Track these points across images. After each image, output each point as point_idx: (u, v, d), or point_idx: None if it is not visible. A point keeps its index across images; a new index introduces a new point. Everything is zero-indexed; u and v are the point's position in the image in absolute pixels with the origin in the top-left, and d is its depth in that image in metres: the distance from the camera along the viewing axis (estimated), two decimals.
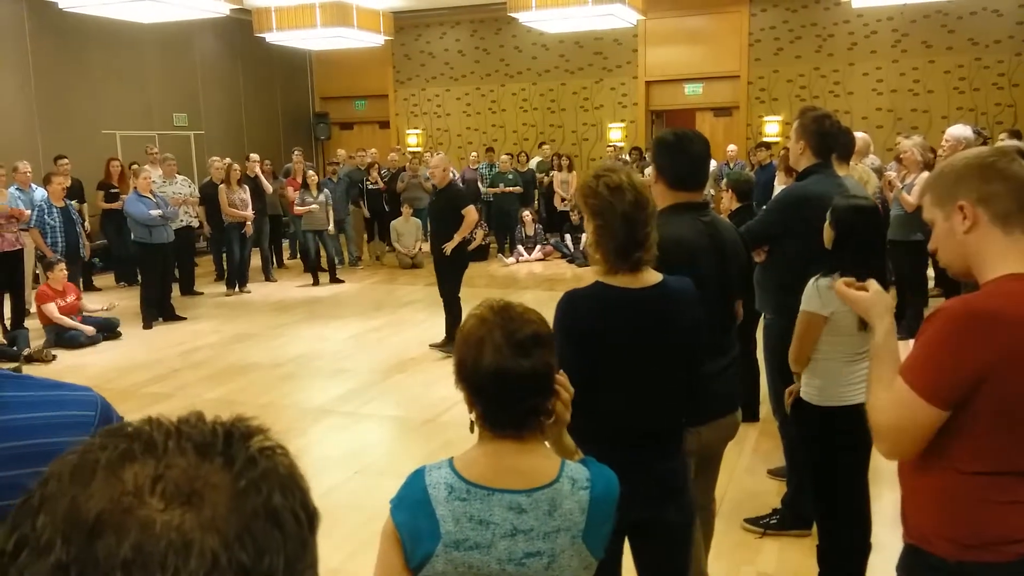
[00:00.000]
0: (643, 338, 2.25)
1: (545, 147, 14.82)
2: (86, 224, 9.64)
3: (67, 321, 7.84)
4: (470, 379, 1.56)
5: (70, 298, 8.03)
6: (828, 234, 3.03)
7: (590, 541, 1.56)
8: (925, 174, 6.40)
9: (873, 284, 2.07)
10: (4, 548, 0.56)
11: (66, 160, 10.32)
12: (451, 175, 7.71)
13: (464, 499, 1.51)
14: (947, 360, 1.65)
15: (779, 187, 6.36)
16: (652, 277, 2.29)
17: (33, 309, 9.14)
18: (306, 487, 0.62)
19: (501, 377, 1.52)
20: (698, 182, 2.83)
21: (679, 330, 2.29)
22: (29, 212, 8.32)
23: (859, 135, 5.61)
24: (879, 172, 6.95)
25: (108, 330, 8.21)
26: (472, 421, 1.62)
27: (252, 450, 0.60)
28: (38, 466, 1.34)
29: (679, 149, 2.76)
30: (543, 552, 1.51)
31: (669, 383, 2.33)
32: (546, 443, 1.66)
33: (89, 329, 7.89)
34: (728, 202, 5.01)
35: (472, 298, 10.17)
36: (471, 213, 7.16)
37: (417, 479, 1.55)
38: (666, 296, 2.28)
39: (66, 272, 8.05)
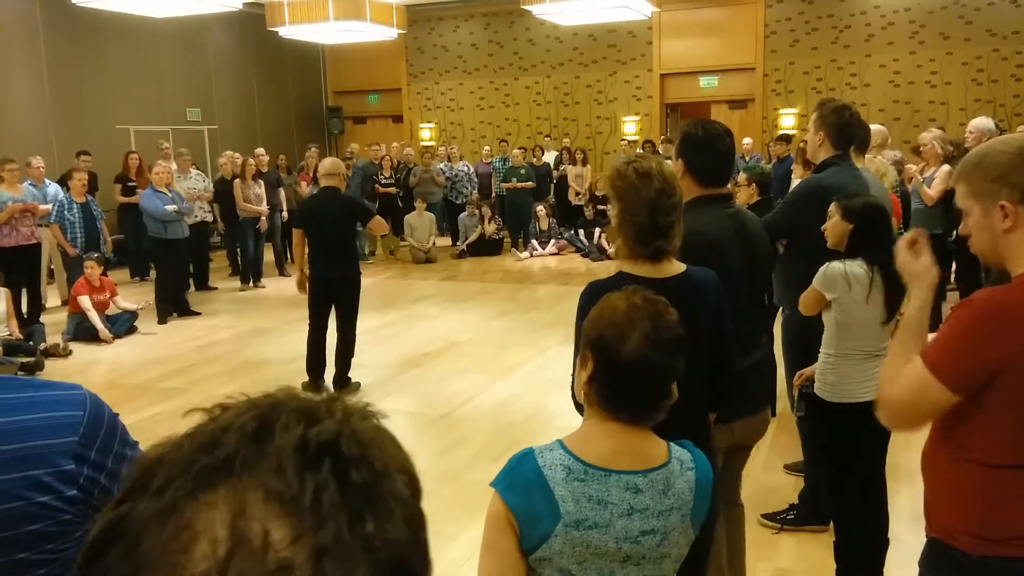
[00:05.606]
0: None
1: (549, 139, 14.82)
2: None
3: (94, 317, 7.90)
4: (606, 357, 1.57)
5: (104, 295, 8.12)
6: (841, 228, 3.03)
7: (694, 519, 1.63)
8: (945, 167, 6.33)
9: (926, 256, 1.90)
10: None
11: (88, 156, 10.38)
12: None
13: (582, 480, 1.54)
14: (968, 346, 1.68)
15: (795, 180, 6.29)
16: (674, 268, 2.27)
17: (49, 304, 9.20)
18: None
19: (643, 366, 1.55)
20: (726, 177, 2.82)
21: (701, 323, 2.23)
22: (45, 207, 8.35)
23: (876, 127, 5.54)
24: (899, 165, 6.87)
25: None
26: (574, 391, 1.65)
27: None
28: (27, 471, 1.28)
29: (710, 146, 2.71)
30: (656, 530, 1.56)
31: (691, 378, 2.28)
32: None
33: (107, 336, 7.88)
34: (748, 195, 4.95)
35: (487, 293, 10.05)
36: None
37: (528, 461, 1.56)
38: (688, 287, 2.24)
39: (97, 269, 8.06)
